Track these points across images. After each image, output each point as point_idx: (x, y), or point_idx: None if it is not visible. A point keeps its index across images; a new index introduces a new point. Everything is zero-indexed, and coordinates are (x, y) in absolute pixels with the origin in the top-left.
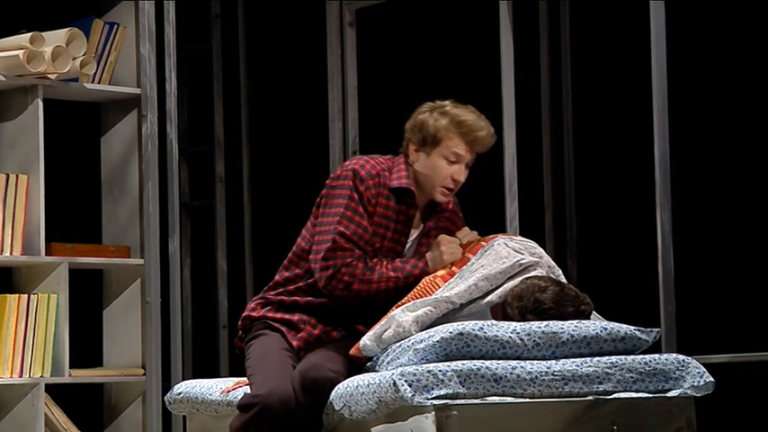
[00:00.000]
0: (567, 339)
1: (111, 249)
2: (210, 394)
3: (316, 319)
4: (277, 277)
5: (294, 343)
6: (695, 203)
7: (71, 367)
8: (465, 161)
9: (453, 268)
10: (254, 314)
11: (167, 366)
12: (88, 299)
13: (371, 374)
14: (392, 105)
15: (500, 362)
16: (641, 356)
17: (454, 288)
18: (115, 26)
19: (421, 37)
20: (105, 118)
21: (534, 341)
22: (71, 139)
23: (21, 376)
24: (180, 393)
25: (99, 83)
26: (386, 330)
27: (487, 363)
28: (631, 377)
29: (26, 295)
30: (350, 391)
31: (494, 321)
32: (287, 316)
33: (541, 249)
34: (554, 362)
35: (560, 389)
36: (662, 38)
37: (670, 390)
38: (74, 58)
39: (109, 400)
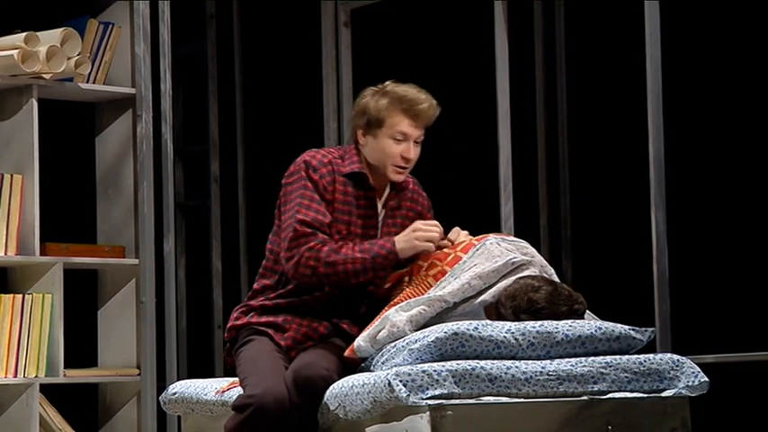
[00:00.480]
0: (562, 339)
1: (106, 249)
2: (205, 394)
3: (300, 317)
4: (256, 286)
5: (282, 343)
6: (690, 203)
7: (66, 367)
8: (412, 138)
9: (446, 267)
10: (238, 323)
11: (162, 366)
12: (83, 299)
13: (366, 374)
14: None
15: (495, 362)
16: (636, 356)
17: (447, 287)
18: (110, 26)
19: (416, 37)
20: (100, 118)
21: (529, 341)
22: (66, 138)
23: (15, 376)
24: (175, 393)
25: (94, 83)
26: (380, 331)
27: (482, 363)
28: (626, 377)
29: (21, 295)
30: (345, 391)
31: (488, 321)
32: (271, 318)
33: (533, 249)
34: (549, 362)
35: (555, 389)
36: (656, 38)
37: (665, 389)
38: (68, 58)
39: (104, 401)
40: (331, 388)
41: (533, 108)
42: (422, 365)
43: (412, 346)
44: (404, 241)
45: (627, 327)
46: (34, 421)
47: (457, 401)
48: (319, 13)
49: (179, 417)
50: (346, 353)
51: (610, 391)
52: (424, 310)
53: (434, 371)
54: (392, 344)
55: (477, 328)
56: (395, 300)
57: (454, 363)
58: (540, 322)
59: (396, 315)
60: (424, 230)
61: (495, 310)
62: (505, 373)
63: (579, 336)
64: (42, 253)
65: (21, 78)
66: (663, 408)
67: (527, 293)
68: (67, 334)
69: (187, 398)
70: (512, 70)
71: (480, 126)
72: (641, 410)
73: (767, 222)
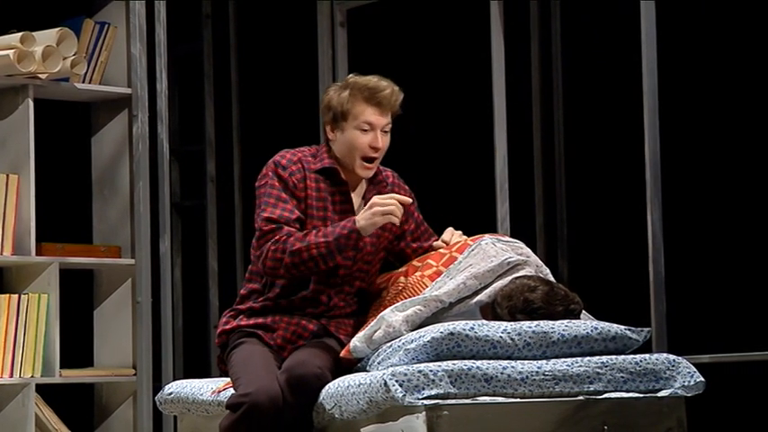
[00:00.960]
0: (558, 339)
1: (102, 249)
2: (201, 394)
3: (288, 316)
4: (243, 291)
5: (273, 343)
6: (686, 203)
7: (62, 367)
8: (379, 127)
9: (441, 267)
10: (227, 327)
11: (158, 366)
12: (79, 299)
13: (362, 374)
14: None
15: (491, 362)
16: (632, 356)
17: (443, 287)
18: (106, 26)
19: (412, 37)
20: (96, 118)
21: (525, 341)
22: (62, 138)
23: (11, 376)
24: (171, 393)
25: (90, 83)
26: (376, 331)
27: (478, 363)
28: (622, 377)
29: (17, 295)
30: (341, 391)
31: (484, 321)
32: (260, 320)
33: (528, 249)
34: (545, 362)
35: (551, 389)
36: (652, 38)
37: (661, 389)
38: (64, 58)
39: (99, 401)
40: (327, 388)
41: (529, 108)
42: (418, 365)
43: (408, 347)
44: (363, 219)
45: (623, 327)
46: (30, 421)
47: (453, 401)
48: (315, 12)
49: (175, 417)
50: (342, 353)
51: (606, 391)
52: (420, 310)
53: (430, 371)
54: (388, 344)
55: (473, 328)
56: (390, 300)
57: (450, 363)
58: (536, 322)
59: (391, 315)
60: (381, 204)
61: (491, 310)
62: (501, 373)
63: (575, 336)
64: (38, 253)
65: (17, 78)
66: (659, 408)
67: (523, 293)
68: (63, 334)
69: (183, 398)
70: (508, 70)
71: (476, 126)
72: (637, 410)
73: (763, 222)
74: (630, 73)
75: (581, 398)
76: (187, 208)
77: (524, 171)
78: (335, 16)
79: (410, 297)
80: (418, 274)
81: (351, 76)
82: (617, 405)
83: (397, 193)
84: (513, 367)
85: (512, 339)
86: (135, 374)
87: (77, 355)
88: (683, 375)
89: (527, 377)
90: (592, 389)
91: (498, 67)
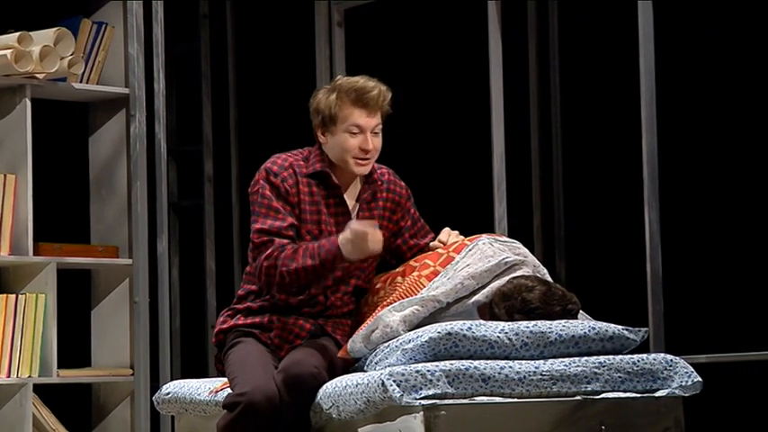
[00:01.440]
0: (556, 339)
1: (100, 249)
2: (199, 394)
3: (285, 316)
4: (240, 291)
5: (269, 342)
6: (683, 202)
7: (59, 367)
8: (369, 129)
9: (438, 267)
10: (224, 326)
11: (156, 366)
12: (76, 299)
13: (360, 374)
14: None
15: (488, 362)
16: (629, 356)
17: (440, 287)
18: (103, 26)
19: (410, 37)
20: (93, 118)
21: (522, 341)
22: (59, 138)
23: (8, 376)
24: (168, 393)
25: (87, 83)
26: (373, 331)
27: (476, 363)
28: (619, 377)
29: (14, 295)
30: (338, 390)
31: (482, 321)
32: (257, 319)
33: (526, 249)
34: (542, 362)
35: (548, 389)
36: (650, 38)
37: (658, 389)
38: (62, 58)
39: (97, 401)
40: (324, 388)
41: (527, 108)
42: (415, 365)
43: (405, 347)
44: (344, 243)
45: (620, 327)
46: (27, 421)
47: (450, 401)
48: (313, 12)
49: (172, 417)
50: (340, 353)
51: (603, 391)
52: (418, 310)
53: (428, 371)
54: (385, 344)
55: (470, 328)
56: (388, 300)
57: (448, 363)
58: (533, 322)
59: (389, 315)
60: (360, 239)
61: (488, 310)
62: (499, 373)
63: (573, 336)
64: (36, 253)
65: (14, 78)
66: (656, 408)
67: (521, 293)
68: (61, 334)
69: (180, 398)
70: (505, 70)
71: (474, 126)
72: (635, 410)
73: (761, 222)
74: (628, 73)
75: (578, 398)
76: (185, 208)
77: (522, 171)
78: (333, 16)
79: (407, 297)
80: (415, 273)
81: (339, 77)
82: (614, 405)
83: (392, 189)
84: (510, 367)
85: (509, 339)
86: (132, 374)
87: (75, 355)
88: (681, 375)
89: (524, 377)
90: (589, 389)
91: (496, 66)
